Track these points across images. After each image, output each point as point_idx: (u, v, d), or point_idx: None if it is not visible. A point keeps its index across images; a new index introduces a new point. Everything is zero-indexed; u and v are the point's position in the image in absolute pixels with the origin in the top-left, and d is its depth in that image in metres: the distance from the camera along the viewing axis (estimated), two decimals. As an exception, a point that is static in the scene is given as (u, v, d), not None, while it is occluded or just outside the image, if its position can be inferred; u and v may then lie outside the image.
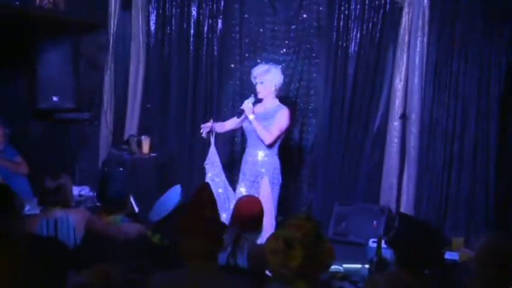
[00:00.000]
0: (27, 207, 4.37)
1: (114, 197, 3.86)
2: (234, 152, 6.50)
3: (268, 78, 5.34)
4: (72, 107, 6.44)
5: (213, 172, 5.48)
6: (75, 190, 5.18)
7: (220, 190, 5.45)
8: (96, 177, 6.24)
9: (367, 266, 4.07)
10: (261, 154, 5.33)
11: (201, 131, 5.38)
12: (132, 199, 5.00)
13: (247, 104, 5.29)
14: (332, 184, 6.44)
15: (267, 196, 5.09)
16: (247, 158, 5.43)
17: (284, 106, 5.35)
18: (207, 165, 5.48)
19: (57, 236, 3.87)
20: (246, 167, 5.43)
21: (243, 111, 5.30)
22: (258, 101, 5.38)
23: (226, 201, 5.33)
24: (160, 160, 6.37)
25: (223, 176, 5.52)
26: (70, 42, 6.37)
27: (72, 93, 6.41)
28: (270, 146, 5.29)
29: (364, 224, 5.91)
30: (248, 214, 3.83)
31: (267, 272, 3.11)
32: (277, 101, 5.38)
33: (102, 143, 6.67)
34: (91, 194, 5.92)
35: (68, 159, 6.66)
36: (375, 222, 5.87)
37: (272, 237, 2.71)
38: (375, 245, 4.19)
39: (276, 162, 5.36)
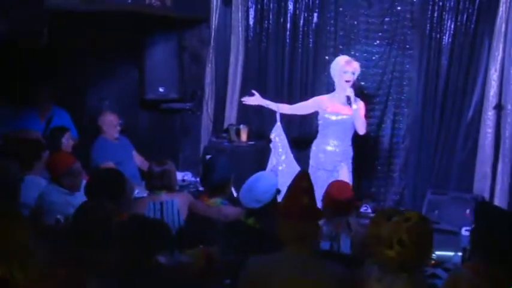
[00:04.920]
0: (136, 191, 4.49)
1: (216, 182, 3.92)
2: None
3: (358, 69, 5.38)
4: (176, 97, 6.57)
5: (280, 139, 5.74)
6: (179, 175, 5.27)
7: (283, 157, 5.68)
8: (198, 163, 6.36)
9: (460, 253, 3.90)
10: (341, 144, 5.43)
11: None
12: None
13: (351, 93, 5.31)
14: (424, 173, 6.22)
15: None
16: (325, 148, 5.47)
17: None
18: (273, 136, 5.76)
19: (163, 218, 3.96)
20: (323, 156, 5.47)
21: (349, 98, 5.29)
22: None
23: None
24: (257, 148, 6.36)
25: (286, 143, 5.76)
26: (175, 37, 6.49)
27: (177, 84, 6.54)
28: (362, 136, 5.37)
29: (457, 212, 5.66)
30: (339, 198, 3.80)
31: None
32: None
33: (204, 132, 6.74)
34: (193, 179, 6.01)
35: (172, 146, 6.79)
36: (468, 211, 5.63)
37: (375, 223, 2.68)
38: (467, 233, 4.03)
39: (351, 151, 5.50)
